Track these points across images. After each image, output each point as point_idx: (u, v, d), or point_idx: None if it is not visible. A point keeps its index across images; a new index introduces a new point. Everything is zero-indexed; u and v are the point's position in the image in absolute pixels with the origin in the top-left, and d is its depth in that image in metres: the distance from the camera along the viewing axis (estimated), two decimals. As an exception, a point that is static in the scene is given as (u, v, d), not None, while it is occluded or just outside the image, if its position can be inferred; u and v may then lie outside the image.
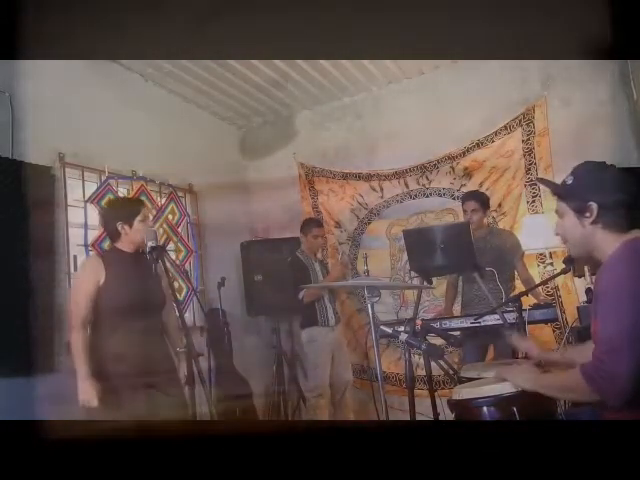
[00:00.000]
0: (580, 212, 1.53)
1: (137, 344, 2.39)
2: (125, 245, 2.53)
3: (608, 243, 1.50)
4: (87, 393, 2.28)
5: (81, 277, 2.60)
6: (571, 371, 1.49)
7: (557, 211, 1.63)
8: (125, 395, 2.32)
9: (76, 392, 2.32)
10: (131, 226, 2.50)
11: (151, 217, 2.58)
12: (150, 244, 2.35)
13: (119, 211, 2.58)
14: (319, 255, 4.39)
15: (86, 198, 3.49)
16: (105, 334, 2.42)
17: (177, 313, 2.49)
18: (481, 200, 3.54)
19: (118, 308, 2.41)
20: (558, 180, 1.69)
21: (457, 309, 3.76)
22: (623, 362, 1.31)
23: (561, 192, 1.60)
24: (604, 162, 1.59)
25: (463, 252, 3.00)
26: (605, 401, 1.39)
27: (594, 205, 1.50)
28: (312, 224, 4.19)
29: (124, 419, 2.25)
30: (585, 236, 1.54)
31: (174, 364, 2.54)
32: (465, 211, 3.55)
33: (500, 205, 4.09)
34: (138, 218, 2.50)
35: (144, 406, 2.30)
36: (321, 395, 3.87)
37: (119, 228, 2.50)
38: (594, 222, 1.51)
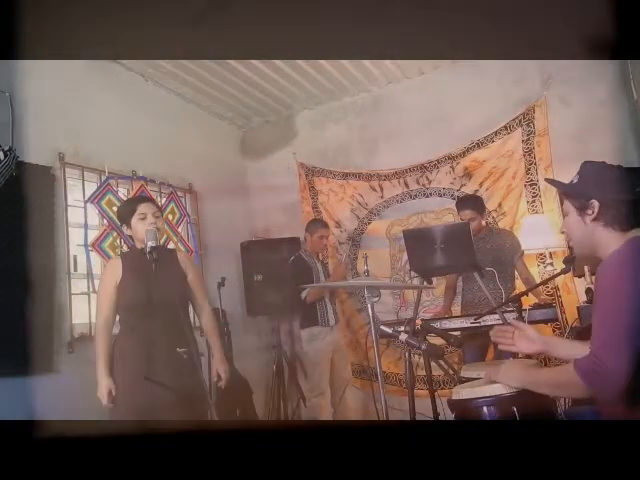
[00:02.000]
0: (582, 209, 1.55)
1: (153, 340, 2.38)
2: (140, 243, 2.53)
3: (610, 241, 1.51)
4: (106, 388, 2.34)
5: (102, 278, 2.64)
6: (564, 366, 1.49)
7: (563, 210, 1.67)
8: (141, 392, 2.31)
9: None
10: (130, 226, 2.51)
11: (150, 215, 2.51)
12: (150, 244, 2.34)
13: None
14: (321, 256, 4.39)
15: (86, 198, 3.49)
16: (126, 331, 2.45)
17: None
18: (476, 206, 3.51)
19: (134, 305, 2.42)
20: (559, 179, 1.73)
21: (457, 309, 3.76)
22: (619, 359, 1.31)
23: (566, 190, 1.64)
24: (607, 162, 1.61)
25: (463, 252, 3.00)
26: (598, 397, 1.39)
27: (595, 202, 1.52)
28: (318, 224, 4.21)
29: (139, 416, 2.27)
30: (586, 233, 1.56)
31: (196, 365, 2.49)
32: (462, 219, 3.52)
33: (500, 205, 4.09)
34: (134, 218, 2.49)
35: (158, 405, 2.30)
36: (321, 395, 3.88)
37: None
38: (595, 219, 1.53)
